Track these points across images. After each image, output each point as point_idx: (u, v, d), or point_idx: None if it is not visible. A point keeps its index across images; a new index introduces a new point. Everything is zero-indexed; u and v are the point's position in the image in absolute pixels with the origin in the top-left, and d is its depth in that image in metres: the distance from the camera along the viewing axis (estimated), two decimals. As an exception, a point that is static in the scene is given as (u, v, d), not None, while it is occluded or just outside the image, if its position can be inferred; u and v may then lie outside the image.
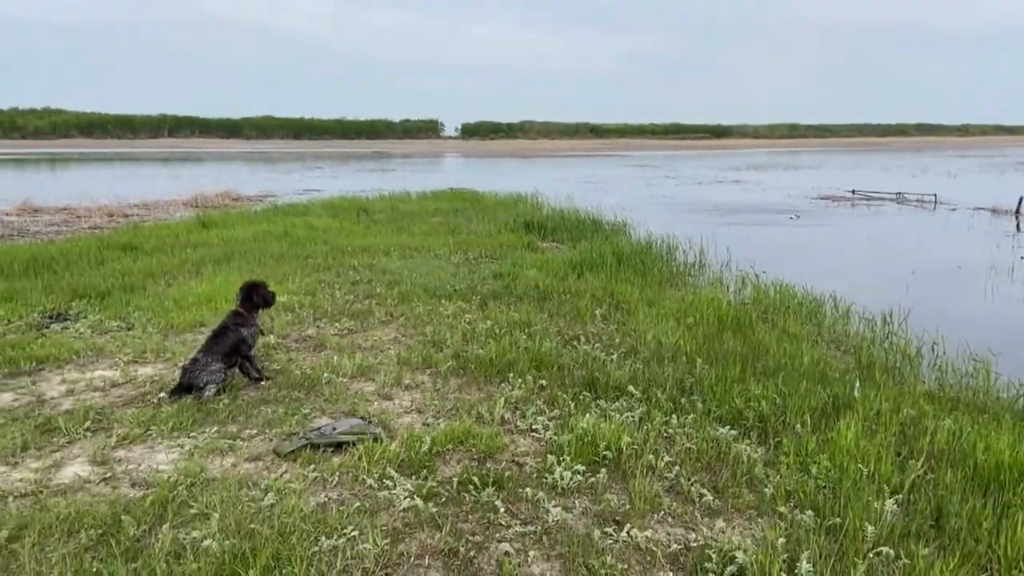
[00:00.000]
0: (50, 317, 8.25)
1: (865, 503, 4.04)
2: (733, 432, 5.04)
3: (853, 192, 30.91)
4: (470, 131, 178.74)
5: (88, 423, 5.17)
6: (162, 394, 5.70)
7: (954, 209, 24.97)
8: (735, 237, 17.50)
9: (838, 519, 3.91)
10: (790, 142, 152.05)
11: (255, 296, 6.35)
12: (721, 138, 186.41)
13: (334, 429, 5.04)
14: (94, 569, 3.39)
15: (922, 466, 4.44)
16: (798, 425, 5.08)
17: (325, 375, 6.24)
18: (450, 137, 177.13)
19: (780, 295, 10.35)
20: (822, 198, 29.86)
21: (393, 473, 4.41)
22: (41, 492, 4.20)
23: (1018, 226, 20.88)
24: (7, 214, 21.72)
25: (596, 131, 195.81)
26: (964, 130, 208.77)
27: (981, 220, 22.34)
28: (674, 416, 5.27)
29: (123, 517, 3.81)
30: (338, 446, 4.83)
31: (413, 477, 4.41)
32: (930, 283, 13.28)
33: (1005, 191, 28.96)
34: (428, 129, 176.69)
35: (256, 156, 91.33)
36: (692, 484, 4.35)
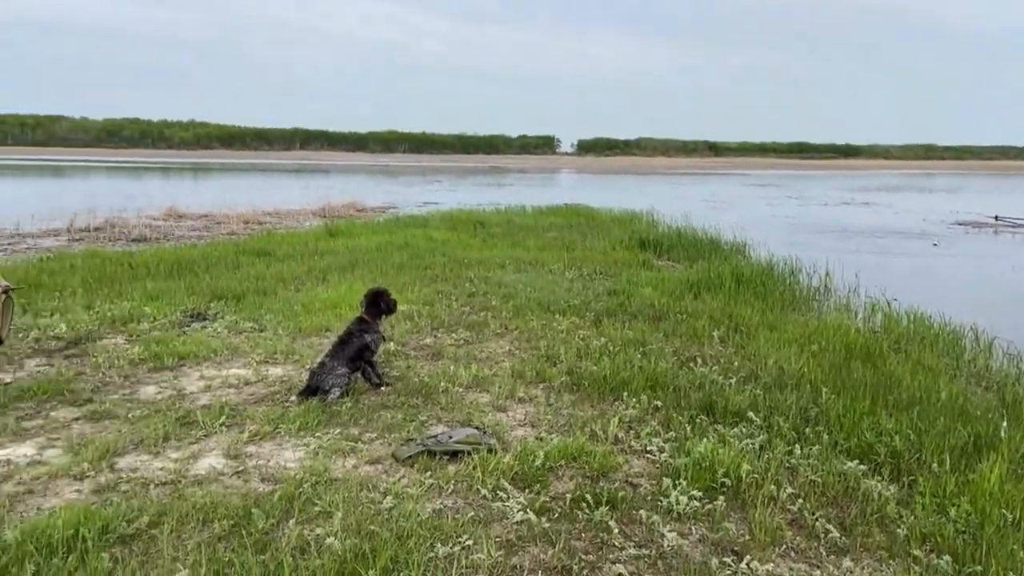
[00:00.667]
0: (191, 316, 8.82)
1: (1009, 551, 3.74)
2: (862, 467, 4.78)
3: (996, 218, 28.80)
4: (586, 147, 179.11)
5: (223, 418, 5.48)
6: (292, 398, 5.96)
7: None
8: (864, 262, 16.67)
9: (979, 567, 3.64)
10: (925, 164, 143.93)
11: (380, 303, 6.56)
12: (849, 158, 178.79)
13: (450, 437, 5.13)
14: (226, 558, 3.57)
15: (1079, 518, 4.07)
16: (935, 464, 4.77)
17: (442, 384, 6.37)
18: (566, 153, 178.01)
19: (914, 325, 9.76)
20: (960, 224, 27.99)
21: (507, 485, 4.44)
22: (179, 481, 4.48)
23: None
24: (155, 218, 23.42)
25: (714, 148, 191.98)
26: None
27: None
28: (797, 446, 5.05)
29: (253, 510, 4.01)
30: (453, 454, 4.92)
31: (526, 490, 4.43)
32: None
33: None
34: (544, 145, 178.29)
35: (379, 169, 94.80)
36: (817, 519, 4.15)
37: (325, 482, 4.44)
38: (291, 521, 3.95)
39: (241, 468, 4.69)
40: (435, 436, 5.19)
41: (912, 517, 4.17)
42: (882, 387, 6.43)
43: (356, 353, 6.18)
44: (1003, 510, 4.13)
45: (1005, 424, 5.40)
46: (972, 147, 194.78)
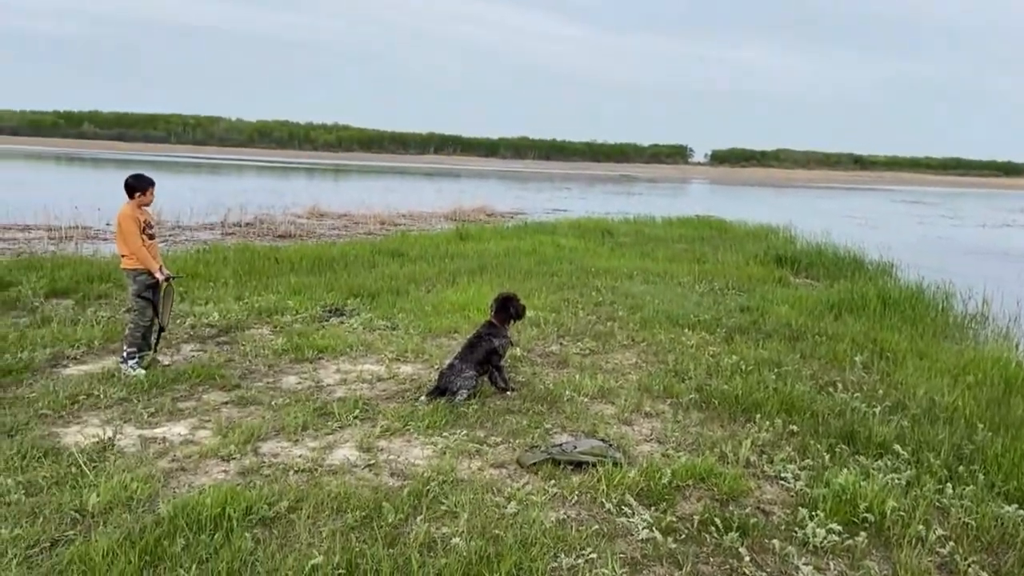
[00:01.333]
0: (330, 311, 9.23)
1: None
2: (1022, 512, 4.38)
3: None
4: (720, 157, 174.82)
5: (357, 412, 5.70)
6: (422, 398, 6.10)
7: None
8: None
9: None
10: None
11: (509, 308, 6.62)
12: (1011, 176, 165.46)
13: (575, 447, 5.10)
14: (358, 549, 3.70)
15: None
16: (1112, 517, 4.30)
17: (567, 392, 6.35)
18: (698, 163, 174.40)
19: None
20: None
21: (632, 501, 4.37)
22: (316, 470, 4.68)
23: None
24: (299, 216, 24.74)
25: (860, 162, 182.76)
26: None
27: None
28: (949, 485, 4.69)
29: (384, 504, 4.13)
30: (578, 465, 4.88)
31: (652, 508, 4.34)
32: None
33: None
34: (676, 154, 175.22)
35: (509, 174, 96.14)
36: (969, 564, 3.84)
37: (451, 482, 4.51)
38: (419, 518, 4.04)
39: (373, 461, 4.85)
40: (560, 445, 5.18)
41: (1085, 574, 3.77)
42: (1048, 428, 5.87)
43: (484, 357, 6.26)
44: None
45: None
46: None
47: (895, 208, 49.75)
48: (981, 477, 4.86)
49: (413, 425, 5.47)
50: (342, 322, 8.73)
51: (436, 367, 6.74)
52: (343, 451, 5.02)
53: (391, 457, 4.94)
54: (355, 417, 5.61)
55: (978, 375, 7.43)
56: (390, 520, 3.99)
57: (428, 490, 4.37)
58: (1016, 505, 4.48)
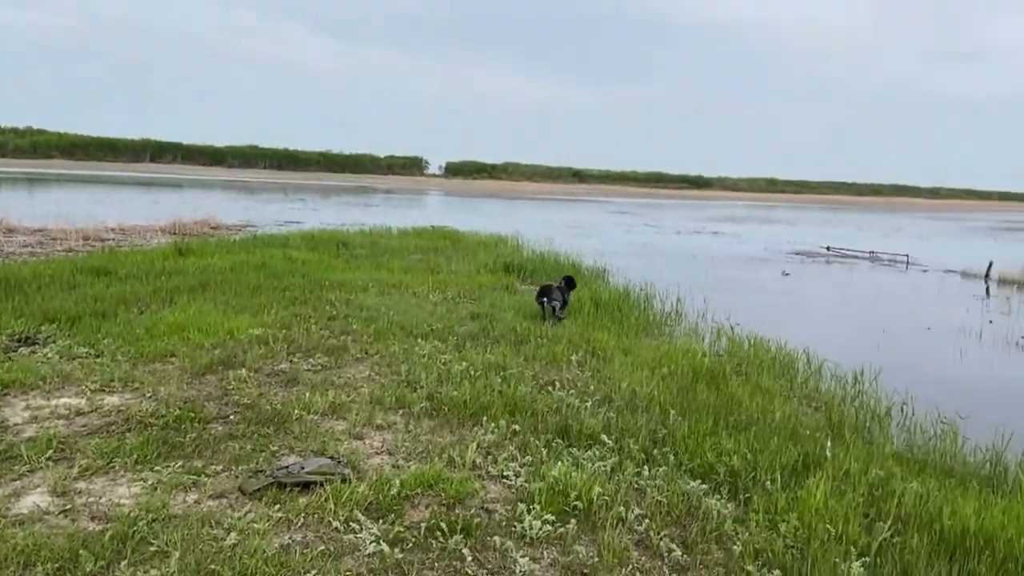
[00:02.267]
0: (18, 340, 8.10)
1: (832, 565, 4.04)
2: (704, 486, 5.04)
3: (828, 249, 31.42)
4: (454, 170, 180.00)
5: (50, 452, 5.06)
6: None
7: (925, 270, 25.44)
8: (712, 288, 17.67)
9: (805, 580, 3.90)
10: (768, 196, 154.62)
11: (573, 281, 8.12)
12: (701, 188, 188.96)
13: (302, 468, 4.97)
14: (46, 607, 3.29)
15: (889, 529, 4.46)
16: (768, 482, 5.09)
17: (296, 412, 6.17)
18: (434, 175, 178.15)
19: (754, 349, 10.43)
20: (797, 253, 30.34)
21: (360, 516, 4.35)
22: (-3, 522, 4.09)
23: (987, 290, 21.27)
24: (-20, 232, 21.42)
25: (579, 176, 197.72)
26: (936, 192, 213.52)
27: (951, 282, 22.76)
28: (646, 468, 5.26)
29: (81, 552, 3.72)
30: (305, 486, 4.77)
31: (380, 521, 4.35)
32: (901, 343, 13.46)
33: (974, 255, 29.63)
34: (412, 166, 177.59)
35: (238, 185, 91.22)
36: (661, 538, 4.33)
37: (163, 519, 4.18)
38: (123, 563, 3.69)
39: (69, 506, 4.34)
40: (286, 467, 5.01)
41: (747, 534, 4.42)
42: (724, 409, 6.82)
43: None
44: (827, 525, 4.46)
45: (829, 443, 5.84)
46: (809, 182, 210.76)
47: (607, 218, 54.81)
48: (672, 458, 5.50)
49: (119, 461, 4.98)
50: (33, 352, 7.70)
51: (149, 395, 6.21)
52: (33, 497, 4.44)
53: (91, 499, 4.45)
54: (48, 458, 4.98)
55: (671, 366, 8.43)
56: (88, 569, 3.60)
57: (135, 531, 4.00)
58: (699, 480, 5.14)
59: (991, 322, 15.47)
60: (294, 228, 27.37)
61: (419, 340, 9.06)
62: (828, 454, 5.62)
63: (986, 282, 22.28)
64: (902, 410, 8.23)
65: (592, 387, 7.48)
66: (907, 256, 27.55)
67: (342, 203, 59.38)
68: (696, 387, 7.70)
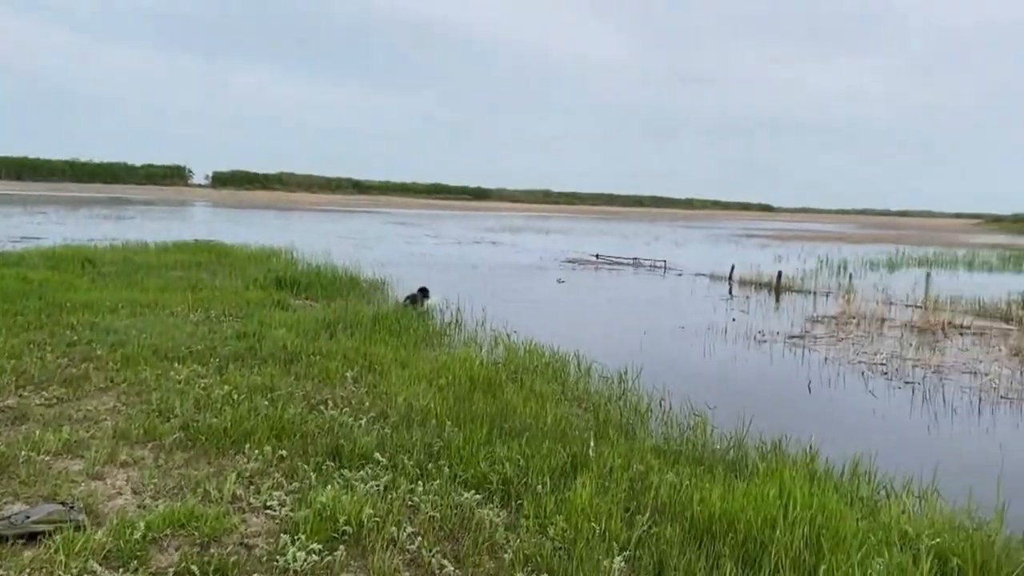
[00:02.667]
0: None
1: (596, 562, 4.16)
2: (478, 496, 5.02)
3: (597, 256, 33.48)
4: (223, 180, 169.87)
5: None
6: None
7: (680, 274, 27.87)
8: (491, 297, 18.06)
9: (571, 580, 3.97)
10: (544, 207, 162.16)
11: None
12: (481, 200, 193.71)
13: (27, 517, 4.32)
14: None
15: (647, 520, 4.69)
16: (539, 486, 5.18)
17: (23, 453, 5.37)
18: (199, 185, 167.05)
19: (529, 355, 10.72)
20: (570, 261, 32.00)
21: (96, 567, 3.84)
22: None
23: (730, 290, 23.72)
24: None
25: (359, 186, 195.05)
26: (690, 203, 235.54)
27: (702, 285, 25.08)
28: (420, 483, 5.14)
29: None
30: (32, 537, 4.16)
31: (121, 570, 3.86)
32: (660, 342, 14.55)
33: (720, 259, 33.03)
34: (174, 175, 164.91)
35: (-37, 195, 79.66)
36: (433, 555, 4.23)
37: None
38: None
39: None
40: (8, 518, 4.34)
41: (518, 540, 4.45)
42: (499, 416, 6.89)
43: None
44: (592, 523, 4.61)
45: (593, 443, 6.09)
46: (580, 194, 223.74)
47: (387, 229, 54.50)
48: (447, 470, 5.44)
49: None
50: None
51: None
52: None
53: None
54: None
55: (449, 377, 8.41)
56: None
57: None
58: (473, 491, 5.10)
59: (734, 320, 17.20)
60: (32, 245, 24.29)
61: (175, 364, 8.31)
62: (592, 453, 5.84)
63: (729, 283, 24.87)
64: (661, 405, 8.82)
65: (367, 403, 7.27)
66: (664, 262, 30.11)
67: (92, 216, 53.75)
68: (473, 396, 7.72)
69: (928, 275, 27.92)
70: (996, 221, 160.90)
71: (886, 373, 12.22)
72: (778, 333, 14.99)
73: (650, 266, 30.24)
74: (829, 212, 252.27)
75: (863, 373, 12.23)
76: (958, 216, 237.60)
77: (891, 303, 18.91)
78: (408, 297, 14.84)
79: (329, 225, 56.92)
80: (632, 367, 10.14)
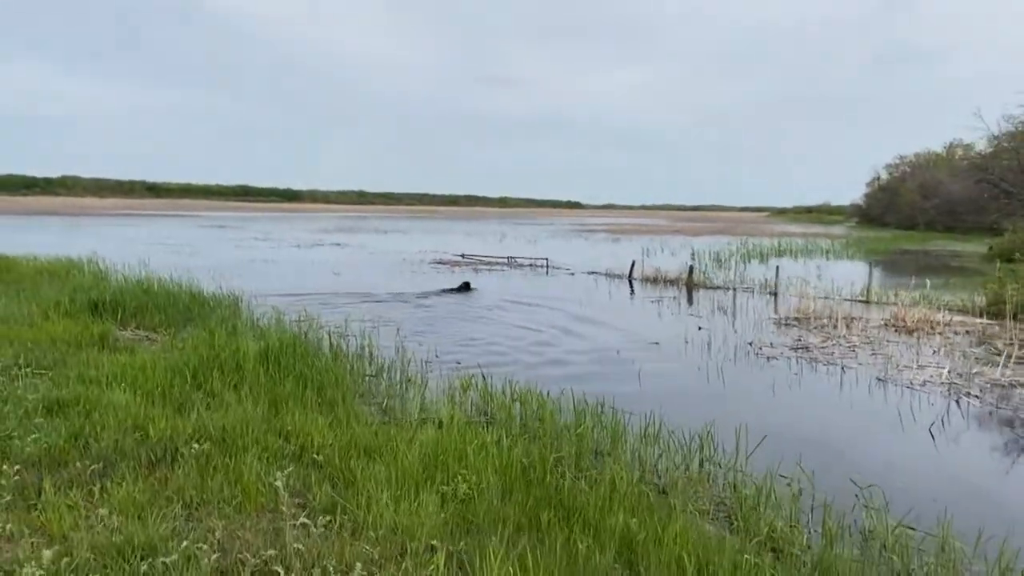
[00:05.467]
0: None
1: None
2: None
3: (463, 256, 29.99)
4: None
5: None
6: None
7: (573, 273, 24.70)
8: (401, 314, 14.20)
9: None
10: (360, 208, 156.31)
11: None
12: (292, 202, 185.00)
13: None
14: None
15: None
16: None
17: None
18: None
19: (534, 405, 7.27)
20: (439, 262, 28.19)
21: None
22: None
23: (632, 289, 21.26)
24: None
25: (154, 190, 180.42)
26: (503, 202, 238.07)
27: (602, 284, 22.09)
28: None
29: None
30: None
31: None
32: (660, 371, 11.47)
33: (589, 255, 30.90)
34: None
35: None
36: None
37: None
38: None
39: None
40: None
41: None
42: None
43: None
44: None
45: None
46: (396, 194, 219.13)
47: (205, 233, 47.78)
48: None
49: None
50: None
51: None
52: None
53: None
54: None
55: (463, 474, 4.81)
56: None
57: None
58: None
59: (700, 328, 14.45)
60: None
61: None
62: None
63: (630, 282, 22.36)
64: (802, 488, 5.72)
65: (360, 567, 3.57)
66: (547, 260, 27.07)
67: None
68: (534, 519, 4.22)
69: (818, 266, 27.03)
70: (781, 213, 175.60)
71: (979, 398, 9.31)
72: (771, 344, 12.09)
73: (530, 265, 27.09)
74: (632, 208, 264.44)
75: (958, 403, 9.12)
76: (744, 210, 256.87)
77: (836, 299, 16.91)
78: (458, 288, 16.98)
79: (132, 231, 49.16)
80: (667, 413, 7.01)
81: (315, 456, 5.24)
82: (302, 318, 12.01)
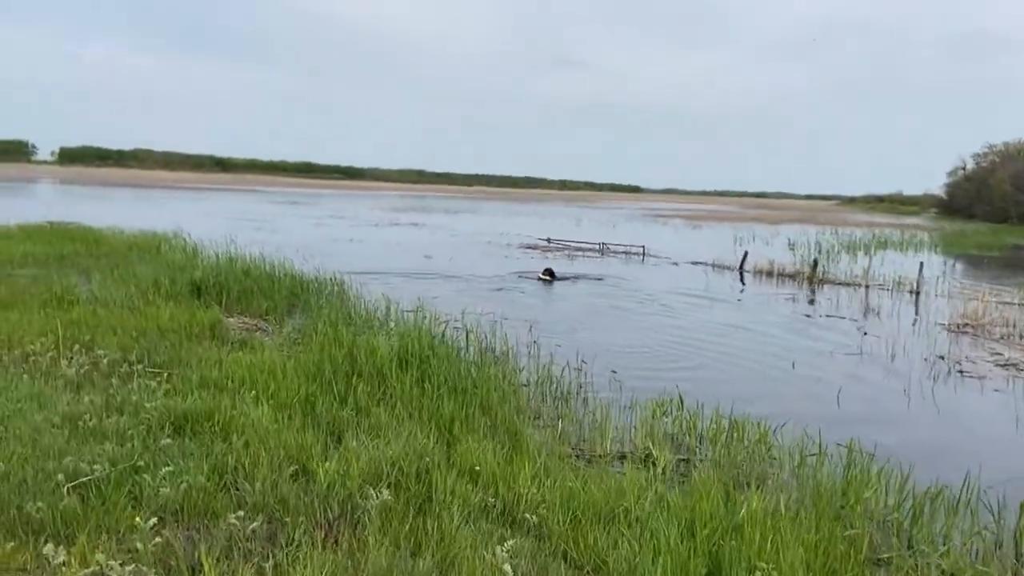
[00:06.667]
0: None
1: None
2: None
3: (549, 240, 28.56)
4: (71, 156, 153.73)
5: None
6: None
7: (676, 264, 22.80)
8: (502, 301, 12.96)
9: None
10: (418, 187, 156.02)
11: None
12: (353, 179, 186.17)
13: None
14: None
15: None
16: None
17: None
18: (44, 162, 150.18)
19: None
20: (528, 247, 26.74)
21: None
22: None
23: (743, 281, 19.65)
24: None
25: (223, 164, 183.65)
26: (563, 184, 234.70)
27: (714, 276, 20.46)
28: None
29: None
30: None
31: None
32: (886, 399, 9.98)
33: (678, 244, 29.17)
34: (14, 151, 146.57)
35: None
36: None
37: None
38: None
39: None
40: None
41: None
42: None
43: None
44: None
45: None
46: (452, 174, 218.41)
47: (279, 209, 47.39)
48: None
49: None
50: None
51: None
52: None
53: None
54: None
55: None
56: None
57: None
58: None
59: (865, 335, 12.42)
60: None
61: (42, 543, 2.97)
62: None
63: (741, 274, 20.69)
64: None
65: None
66: (643, 247, 25.42)
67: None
68: None
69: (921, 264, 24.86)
70: (851, 202, 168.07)
71: None
72: (968, 359, 10.31)
73: (624, 253, 25.49)
74: (692, 193, 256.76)
75: None
76: (810, 197, 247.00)
77: (1004, 303, 14.70)
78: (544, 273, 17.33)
79: (208, 205, 49.13)
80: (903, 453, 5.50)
81: (528, 517, 3.99)
82: (418, 308, 10.82)
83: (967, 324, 12.48)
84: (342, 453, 4.60)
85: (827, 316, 14.20)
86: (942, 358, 10.41)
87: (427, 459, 4.60)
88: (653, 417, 6.14)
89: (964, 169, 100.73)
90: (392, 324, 9.48)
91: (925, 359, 10.47)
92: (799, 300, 16.45)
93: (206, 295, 10.29)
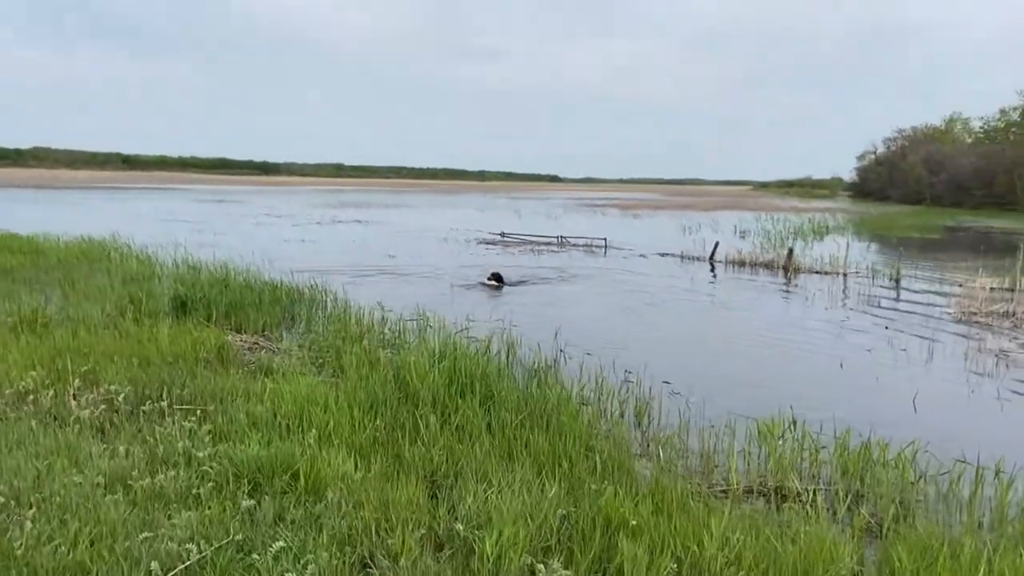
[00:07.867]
0: None
1: None
2: None
3: (503, 235, 27.86)
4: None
5: None
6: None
7: (644, 256, 22.20)
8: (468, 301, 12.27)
9: None
10: (337, 181, 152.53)
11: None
12: (270, 175, 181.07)
13: None
14: None
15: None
16: None
17: None
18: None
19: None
20: (486, 243, 25.93)
21: None
22: None
23: (713, 271, 19.49)
24: None
25: (129, 162, 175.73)
26: (482, 176, 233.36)
27: (680, 266, 20.25)
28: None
29: None
30: None
31: None
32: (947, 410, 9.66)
33: (635, 235, 28.87)
34: None
35: None
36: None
37: None
38: None
39: None
40: None
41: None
42: None
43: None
44: None
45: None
46: (372, 167, 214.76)
47: (209, 208, 45.04)
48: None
49: None
50: None
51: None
52: None
53: None
54: None
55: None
56: None
57: None
58: None
59: (887, 328, 12.11)
60: None
61: None
62: None
63: (712, 264, 20.50)
64: None
65: None
66: (605, 240, 24.97)
67: None
68: None
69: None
70: (764, 187, 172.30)
71: None
72: (1005, 351, 10.07)
73: (585, 246, 24.99)
74: (610, 181, 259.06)
75: None
76: (725, 183, 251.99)
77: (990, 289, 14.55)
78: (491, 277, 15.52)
79: (130, 205, 46.35)
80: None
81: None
82: (419, 316, 10.05)
83: (972, 313, 12.46)
84: (472, 510, 3.92)
85: (822, 308, 13.87)
86: (988, 353, 10.12)
87: (570, 512, 3.98)
88: (765, 440, 5.59)
89: (875, 153, 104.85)
90: (410, 337, 8.73)
91: (964, 354, 10.23)
92: (795, 293, 16.14)
93: (193, 311, 9.28)
